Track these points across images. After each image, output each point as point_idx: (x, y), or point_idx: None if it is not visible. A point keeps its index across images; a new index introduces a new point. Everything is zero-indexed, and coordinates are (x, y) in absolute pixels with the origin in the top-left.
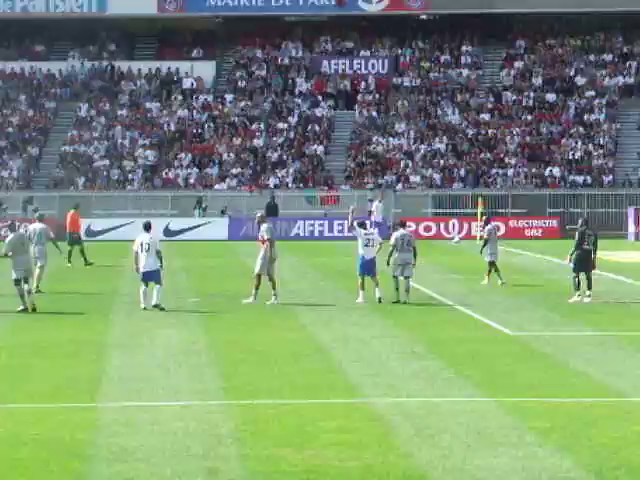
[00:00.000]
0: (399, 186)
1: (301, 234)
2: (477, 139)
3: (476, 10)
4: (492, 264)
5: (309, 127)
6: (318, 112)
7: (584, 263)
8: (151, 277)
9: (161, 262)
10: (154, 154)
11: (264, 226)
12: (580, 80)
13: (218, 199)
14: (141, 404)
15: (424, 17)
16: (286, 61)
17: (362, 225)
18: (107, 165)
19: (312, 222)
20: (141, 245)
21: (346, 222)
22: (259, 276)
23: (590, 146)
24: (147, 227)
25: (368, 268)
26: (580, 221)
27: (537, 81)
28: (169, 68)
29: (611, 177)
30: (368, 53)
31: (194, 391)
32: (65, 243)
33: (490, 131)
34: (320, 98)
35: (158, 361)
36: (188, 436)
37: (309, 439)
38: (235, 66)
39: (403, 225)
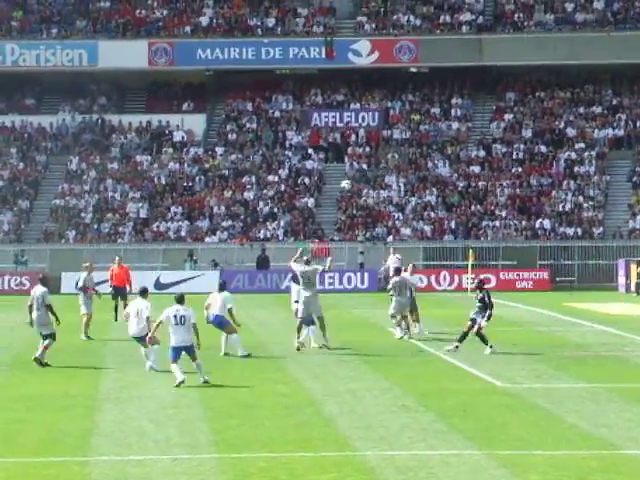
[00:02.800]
0: (390, 238)
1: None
2: (467, 191)
3: (466, 63)
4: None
5: (300, 180)
6: (309, 165)
7: None
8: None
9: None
10: (145, 207)
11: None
12: (570, 132)
13: (209, 252)
14: (132, 458)
15: (414, 70)
16: (277, 114)
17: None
18: (98, 218)
19: None
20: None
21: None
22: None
23: (580, 198)
24: (143, 293)
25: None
26: None
27: (527, 133)
28: (159, 121)
29: (601, 229)
30: (358, 106)
31: (185, 445)
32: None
33: (480, 183)
34: (311, 151)
35: (149, 415)
36: None
37: None
38: (225, 119)
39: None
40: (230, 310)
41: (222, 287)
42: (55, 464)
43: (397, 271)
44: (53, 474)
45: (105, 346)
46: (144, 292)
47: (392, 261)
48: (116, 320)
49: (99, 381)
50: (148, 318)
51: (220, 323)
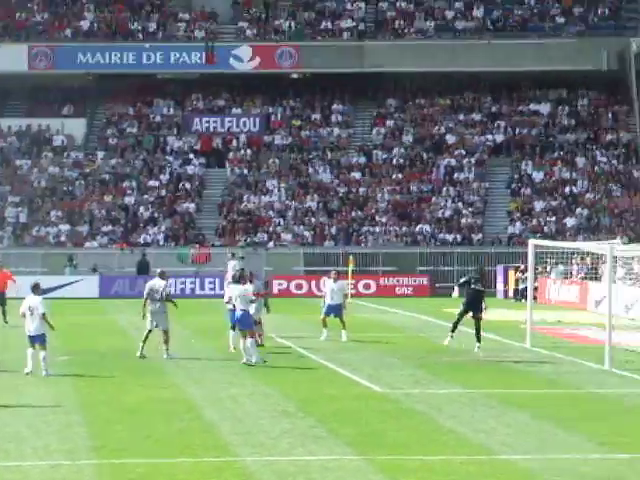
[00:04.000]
0: (270, 244)
1: (172, 292)
2: (348, 197)
3: (347, 69)
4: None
5: (180, 185)
6: (189, 170)
7: None
8: (36, 340)
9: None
10: (24, 211)
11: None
12: (450, 139)
13: (89, 256)
14: (9, 464)
15: (295, 76)
16: (157, 119)
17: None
18: None
19: (183, 280)
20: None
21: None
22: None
23: (460, 204)
24: (34, 288)
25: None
26: None
27: (407, 140)
28: (40, 125)
29: (480, 235)
30: (240, 111)
31: (64, 451)
32: None
33: (361, 189)
34: (192, 156)
35: (27, 420)
36: None
37: None
38: (106, 123)
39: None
40: (44, 315)
41: (35, 290)
42: None
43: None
44: None
45: None
46: (36, 287)
47: (231, 266)
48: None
49: None
50: (44, 314)
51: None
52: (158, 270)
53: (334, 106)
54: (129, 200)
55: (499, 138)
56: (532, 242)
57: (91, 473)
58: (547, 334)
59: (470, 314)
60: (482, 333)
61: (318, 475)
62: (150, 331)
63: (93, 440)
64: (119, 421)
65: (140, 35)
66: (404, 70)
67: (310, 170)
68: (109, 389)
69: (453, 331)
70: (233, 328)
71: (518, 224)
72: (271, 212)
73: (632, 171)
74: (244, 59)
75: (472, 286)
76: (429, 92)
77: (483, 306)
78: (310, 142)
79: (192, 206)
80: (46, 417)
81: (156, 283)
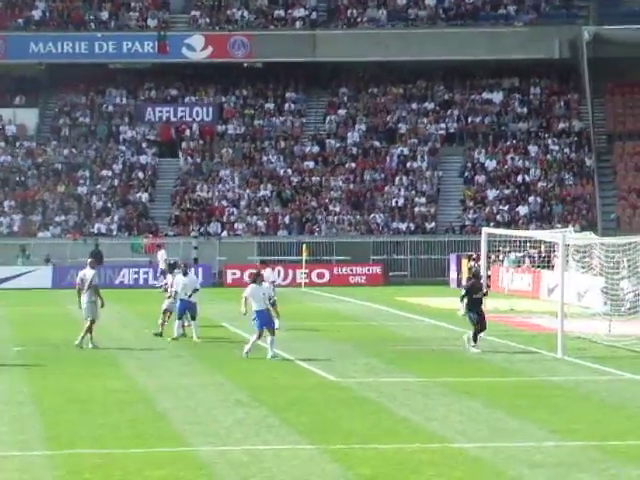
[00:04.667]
0: (224, 233)
1: (125, 282)
2: (302, 186)
3: (299, 59)
4: None
5: (133, 174)
6: (142, 159)
7: None
8: None
9: None
10: None
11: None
12: (402, 128)
13: (42, 247)
14: None
15: (247, 65)
16: (110, 108)
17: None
18: None
19: (137, 269)
20: None
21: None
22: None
23: (413, 193)
24: None
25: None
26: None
27: (360, 128)
28: None
29: (434, 224)
30: (192, 100)
31: (16, 441)
32: None
33: (314, 178)
34: (144, 145)
35: None
36: None
37: None
38: (58, 113)
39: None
40: None
41: None
42: None
43: (172, 267)
44: None
45: None
46: None
47: (161, 256)
48: None
49: None
50: None
51: None
52: (89, 260)
53: (287, 95)
54: (82, 190)
55: (452, 127)
56: (485, 230)
57: (44, 464)
58: (500, 322)
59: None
60: (481, 334)
61: (272, 464)
62: (93, 321)
63: (46, 431)
64: (72, 411)
65: (92, 24)
66: (357, 59)
67: (263, 159)
68: (62, 380)
69: (475, 341)
70: (180, 317)
71: (471, 212)
72: (224, 202)
73: (584, 159)
74: (197, 48)
75: (475, 296)
76: (382, 81)
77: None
78: (263, 131)
79: (145, 196)
80: None
81: (86, 273)
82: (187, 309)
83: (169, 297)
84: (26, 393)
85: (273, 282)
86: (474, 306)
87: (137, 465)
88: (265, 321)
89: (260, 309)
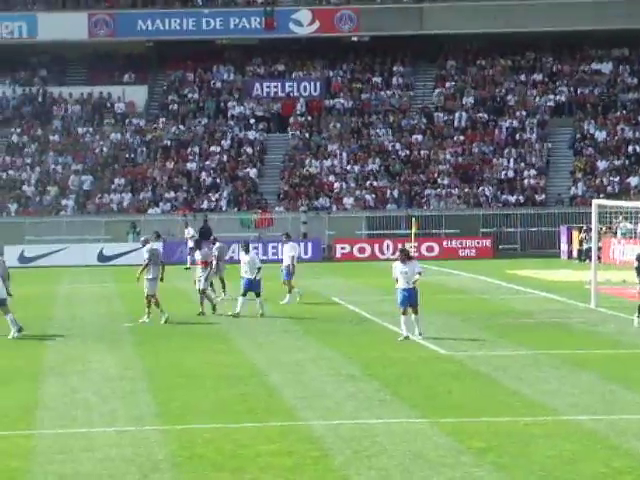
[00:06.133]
0: (333, 208)
1: (235, 257)
2: (410, 160)
3: (406, 32)
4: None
5: (242, 150)
6: (251, 135)
7: None
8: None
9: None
10: (87, 179)
11: (146, 247)
12: (511, 100)
13: (152, 223)
14: (76, 431)
15: (355, 39)
16: (218, 84)
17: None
18: (40, 191)
19: None
20: None
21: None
22: (153, 296)
23: (522, 165)
24: None
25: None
26: None
27: (468, 101)
28: (101, 93)
29: (543, 196)
30: (300, 75)
31: (130, 417)
32: None
33: (422, 152)
34: (253, 121)
35: (93, 387)
36: (124, 462)
37: (246, 463)
38: (167, 90)
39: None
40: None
41: None
42: None
43: (198, 243)
44: None
45: (47, 319)
46: None
47: (188, 233)
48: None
49: (43, 354)
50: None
51: None
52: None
53: (394, 68)
54: (191, 166)
55: (561, 98)
56: (596, 202)
57: (157, 439)
58: (612, 294)
59: None
60: None
61: (384, 438)
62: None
63: (159, 406)
64: (183, 387)
65: (199, 1)
66: (464, 32)
67: (371, 133)
68: (173, 355)
69: None
70: (245, 294)
71: (581, 184)
72: (333, 176)
73: None
74: (304, 23)
75: None
76: (490, 53)
77: None
78: (371, 105)
79: (254, 171)
80: (112, 384)
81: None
82: (251, 287)
83: (201, 275)
84: (138, 369)
85: (293, 256)
86: None
87: (248, 439)
88: (406, 299)
89: (403, 287)
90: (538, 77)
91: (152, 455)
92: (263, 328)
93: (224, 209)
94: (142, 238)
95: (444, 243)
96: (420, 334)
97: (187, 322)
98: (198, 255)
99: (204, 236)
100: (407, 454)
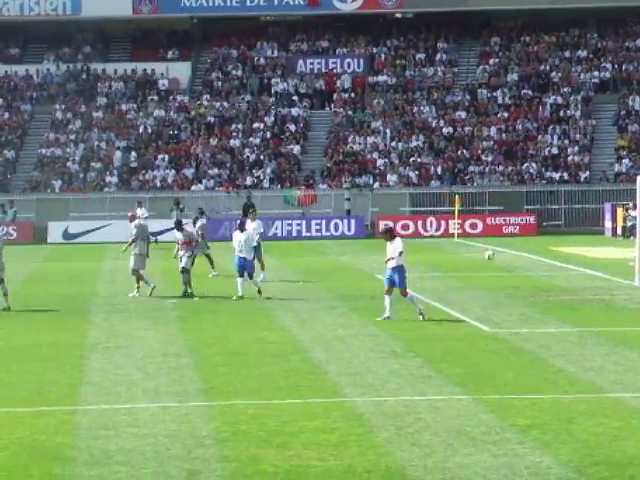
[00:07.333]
0: (376, 185)
1: (279, 234)
2: (453, 137)
3: (450, 8)
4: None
5: (285, 127)
6: (294, 112)
7: None
8: None
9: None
10: (131, 156)
11: (133, 223)
12: (555, 76)
13: (195, 200)
14: (120, 407)
15: (399, 15)
16: (262, 61)
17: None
18: (84, 168)
19: (290, 222)
20: None
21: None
22: (137, 271)
23: (566, 142)
24: None
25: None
26: None
27: (512, 78)
28: (145, 69)
29: (587, 173)
30: (343, 52)
31: (173, 393)
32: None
33: (466, 128)
34: (296, 98)
35: (137, 363)
36: (168, 438)
37: (289, 439)
38: (211, 66)
39: None
40: None
41: None
42: (44, 413)
43: (179, 223)
44: (42, 423)
45: (92, 295)
46: None
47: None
48: None
49: (86, 330)
50: None
51: None
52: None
53: (438, 45)
54: (234, 143)
55: (605, 74)
56: None
57: (201, 415)
58: None
59: None
60: None
61: (427, 415)
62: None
63: (203, 382)
64: (227, 363)
65: None
66: (508, 8)
67: (415, 110)
68: (217, 331)
69: None
70: (241, 275)
71: (626, 161)
72: (376, 153)
73: None
74: (347, 0)
75: None
76: (534, 29)
77: None
78: (414, 82)
79: (297, 148)
80: (156, 360)
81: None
82: (244, 267)
83: (177, 254)
84: (182, 345)
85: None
86: None
87: (292, 416)
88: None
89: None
90: (583, 53)
91: (196, 431)
92: (307, 305)
93: (267, 186)
94: (194, 215)
95: (487, 220)
96: (421, 314)
97: (229, 299)
98: (180, 235)
99: (247, 213)
100: (450, 431)
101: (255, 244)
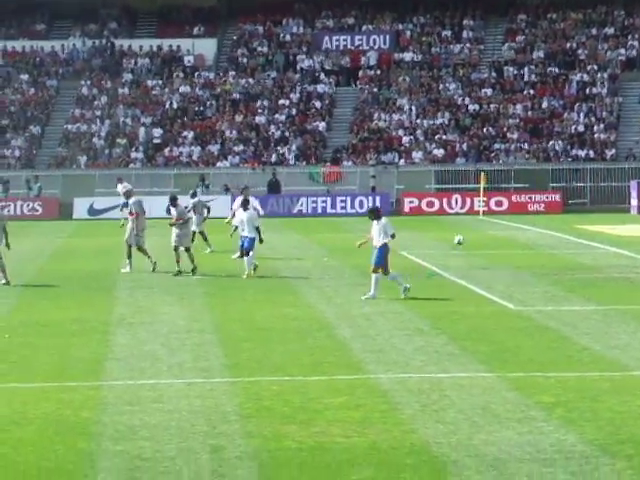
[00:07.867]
0: (401, 162)
1: (304, 211)
2: (479, 114)
3: None
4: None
5: (311, 103)
6: (319, 88)
7: None
8: None
9: None
10: (156, 132)
11: (132, 200)
12: (582, 54)
13: (220, 176)
14: (145, 382)
15: None
16: (287, 37)
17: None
18: (109, 143)
19: (315, 199)
20: None
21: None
22: (130, 246)
23: (592, 120)
24: None
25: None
26: None
27: (539, 55)
28: (170, 45)
29: (614, 151)
30: (369, 29)
31: (198, 369)
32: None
33: (492, 106)
34: (322, 74)
35: (162, 339)
36: (192, 414)
37: (314, 416)
38: (236, 43)
39: None
40: None
41: None
42: (69, 389)
43: (174, 200)
44: (67, 399)
45: (117, 271)
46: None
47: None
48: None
49: (111, 306)
50: None
51: None
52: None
53: (464, 22)
54: (260, 119)
55: (632, 52)
56: None
57: (225, 391)
58: None
59: None
60: None
61: (452, 392)
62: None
63: (227, 358)
64: (252, 339)
65: None
66: None
67: (440, 87)
68: (242, 308)
69: None
70: (247, 254)
71: None
72: (401, 130)
73: None
74: None
75: None
76: (561, 6)
77: None
78: (440, 59)
79: (323, 125)
80: (181, 336)
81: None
82: (251, 246)
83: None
84: (207, 321)
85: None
86: None
87: (317, 392)
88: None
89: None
90: (609, 31)
91: (220, 407)
92: (332, 282)
93: (292, 163)
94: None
95: (513, 198)
96: (404, 291)
97: (259, 276)
98: (174, 212)
99: (273, 189)
100: (475, 408)
101: (257, 224)
